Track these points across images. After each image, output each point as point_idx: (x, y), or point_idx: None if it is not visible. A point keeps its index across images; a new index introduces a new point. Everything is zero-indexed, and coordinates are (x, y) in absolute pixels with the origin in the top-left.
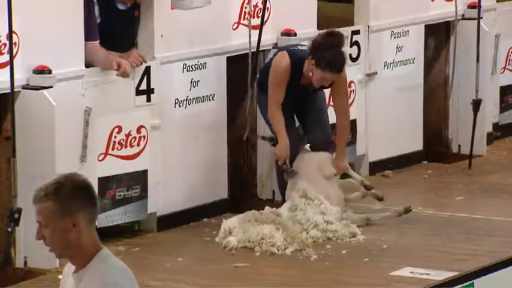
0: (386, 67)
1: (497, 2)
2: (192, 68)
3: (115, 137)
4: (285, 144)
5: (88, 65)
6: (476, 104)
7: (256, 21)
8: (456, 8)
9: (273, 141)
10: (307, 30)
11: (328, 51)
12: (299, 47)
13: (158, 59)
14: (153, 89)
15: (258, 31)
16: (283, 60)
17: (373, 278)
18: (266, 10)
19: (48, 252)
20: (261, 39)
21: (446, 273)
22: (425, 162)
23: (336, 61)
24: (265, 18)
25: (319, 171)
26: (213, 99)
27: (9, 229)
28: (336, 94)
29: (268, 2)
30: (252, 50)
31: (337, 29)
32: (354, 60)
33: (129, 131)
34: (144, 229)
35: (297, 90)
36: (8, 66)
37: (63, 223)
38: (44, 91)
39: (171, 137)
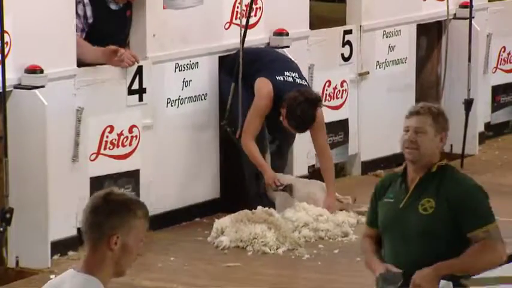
0: (378, 67)
1: (488, 1)
2: (184, 67)
3: (107, 136)
4: (270, 173)
5: (80, 64)
6: (468, 104)
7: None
8: (448, 7)
9: (235, 134)
10: (300, 30)
11: (300, 111)
12: (286, 78)
13: (150, 58)
14: (145, 88)
15: (252, 31)
16: (265, 89)
17: (365, 277)
18: (258, 10)
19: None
20: (253, 38)
21: None
22: None
23: (302, 123)
24: (256, 19)
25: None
26: (205, 99)
27: (1, 229)
28: (315, 137)
29: (260, 2)
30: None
31: (315, 93)
32: (346, 59)
33: (121, 131)
34: None
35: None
36: (0, 66)
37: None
38: (36, 91)
39: (163, 136)
